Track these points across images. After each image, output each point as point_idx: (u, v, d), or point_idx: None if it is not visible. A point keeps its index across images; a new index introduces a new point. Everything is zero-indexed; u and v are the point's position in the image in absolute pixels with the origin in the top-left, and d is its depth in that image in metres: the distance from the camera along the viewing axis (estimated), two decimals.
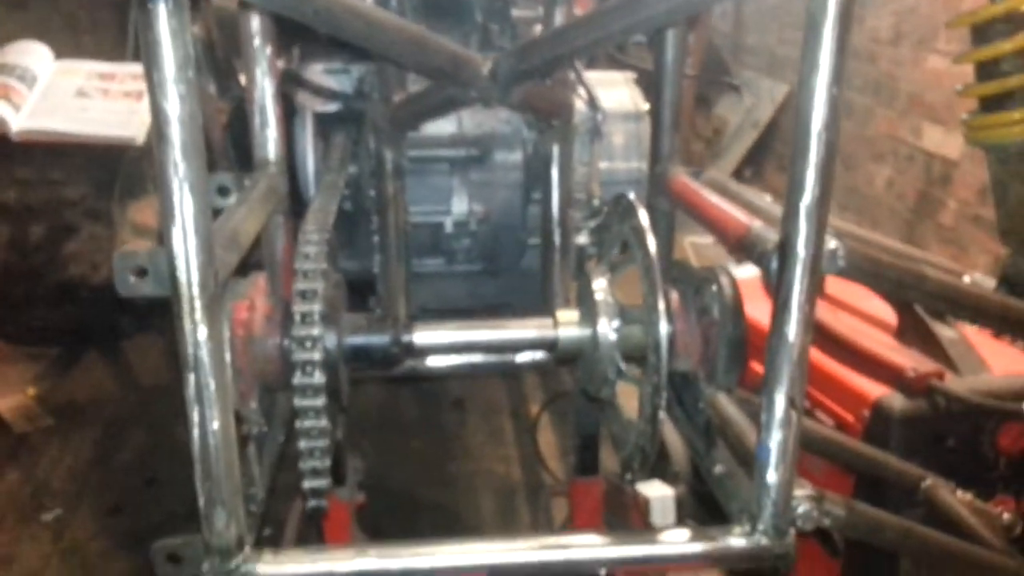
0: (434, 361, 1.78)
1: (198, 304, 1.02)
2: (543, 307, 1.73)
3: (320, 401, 1.22)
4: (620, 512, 2.45)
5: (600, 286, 1.41)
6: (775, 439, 1.16)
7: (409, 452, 3.26)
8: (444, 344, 1.43)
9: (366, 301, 1.97)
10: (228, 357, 1.27)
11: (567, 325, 1.44)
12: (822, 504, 1.26)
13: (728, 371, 1.40)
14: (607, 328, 1.37)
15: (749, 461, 1.36)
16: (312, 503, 1.29)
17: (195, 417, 1.07)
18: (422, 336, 1.42)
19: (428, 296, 2.00)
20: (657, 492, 2.59)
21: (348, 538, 2.06)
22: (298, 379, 1.21)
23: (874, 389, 1.99)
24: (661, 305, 1.27)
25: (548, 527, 2.32)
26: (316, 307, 1.22)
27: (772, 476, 1.17)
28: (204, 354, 1.04)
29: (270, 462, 1.39)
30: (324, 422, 1.23)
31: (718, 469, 1.39)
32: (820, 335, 2.22)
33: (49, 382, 3.82)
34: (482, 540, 1.21)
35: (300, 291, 1.23)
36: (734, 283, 1.40)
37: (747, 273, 3.00)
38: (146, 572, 1.23)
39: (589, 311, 1.42)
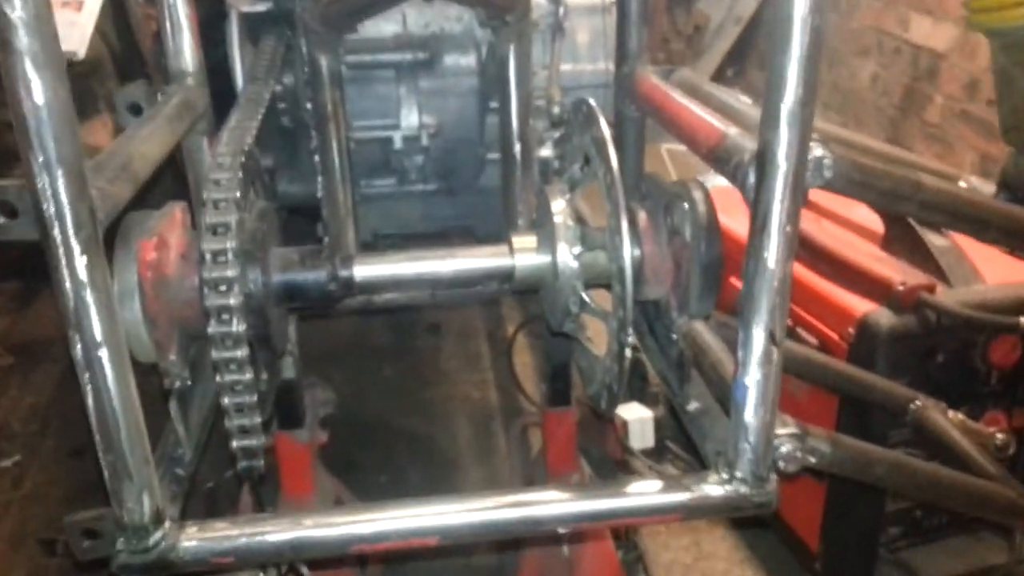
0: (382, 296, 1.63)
1: (75, 247, 0.87)
2: (506, 230, 1.58)
3: (241, 352, 1.08)
4: (597, 438, 2.36)
5: (559, 208, 1.26)
6: (753, 377, 1.03)
7: (382, 379, 3.15)
8: (388, 278, 1.28)
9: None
10: (137, 304, 1.12)
11: (524, 252, 1.29)
12: (805, 442, 1.14)
13: (702, 298, 1.26)
14: (567, 255, 1.22)
15: (727, 397, 1.24)
16: (244, 464, 1.16)
17: (86, 382, 0.93)
18: (364, 270, 1.27)
19: (379, 220, 1.84)
20: (635, 414, 2.50)
21: (309, 483, 1.95)
22: (213, 327, 1.06)
23: (860, 305, 1.87)
24: (625, 227, 1.12)
25: (526, 456, 2.22)
26: (229, 244, 1.06)
27: (751, 417, 1.05)
28: (88, 307, 0.89)
29: (199, 419, 1.25)
30: (248, 375, 1.09)
31: (692, 406, 1.27)
32: (801, 247, 2.09)
33: (7, 318, 3.66)
34: (430, 502, 1.09)
35: (210, 225, 1.07)
36: (708, 199, 1.24)
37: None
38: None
39: (548, 236, 1.26)
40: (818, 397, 1.89)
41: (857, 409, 1.80)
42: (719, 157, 1.07)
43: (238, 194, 1.09)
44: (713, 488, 1.09)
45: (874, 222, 2.14)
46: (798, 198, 0.95)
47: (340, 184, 1.62)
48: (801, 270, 2.03)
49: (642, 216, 1.28)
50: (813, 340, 1.95)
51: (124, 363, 0.94)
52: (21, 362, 3.33)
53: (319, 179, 1.64)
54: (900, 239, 2.05)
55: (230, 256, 1.06)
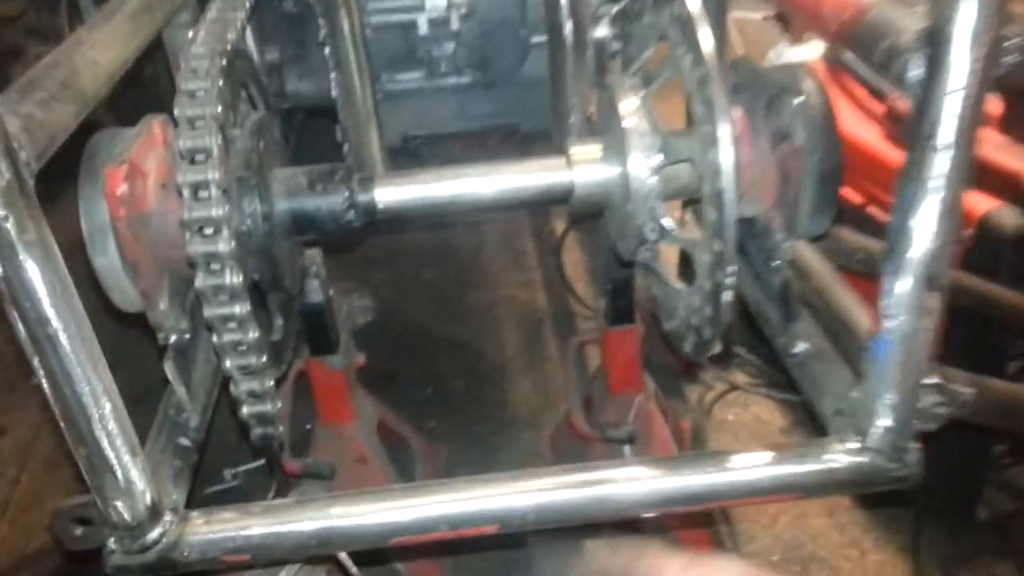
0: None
1: None
2: (558, 134, 1.32)
3: (240, 307, 0.86)
4: (658, 346, 2.14)
5: (630, 106, 0.99)
6: (901, 329, 0.79)
7: (423, 283, 2.95)
8: (418, 203, 1.04)
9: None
10: (112, 247, 0.91)
11: (585, 164, 1.03)
12: (946, 390, 0.91)
13: (815, 215, 1.00)
14: (642, 168, 0.96)
15: (847, 341, 1.00)
16: (258, 431, 0.97)
17: (37, 366, 0.73)
18: (387, 193, 1.03)
19: (407, 121, 1.58)
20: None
21: (348, 410, 1.79)
22: (201, 281, 0.85)
23: (980, 202, 1.58)
24: (727, 132, 0.85)
25: (583, 374, 2.01)
26: (211, 174, 0.83)
27: (893, 377, 0.82)
28: (25, 275, 0.68)
29: (206, 376, 1.06)
30: (251, 333, 0.88)
31: (800, 348, 1.04)
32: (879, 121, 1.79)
33: None
34: (485, 481, 0.89)
35: (187, 151, 0.84)
36: (822, 92, 0.97)
37: (805, 54, 2.47)
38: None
39: (615, 144, 1.00)
40: None
41: (970, 326, 1.55)
42: (859, 38, 0.78)
43: (219, 108, 0.85)
44: (838, 458, 0.87)
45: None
46: (982, 96, 0.68)
47: (358, 80, 1.36)
48: (875, 138, 1.75)
49: (738, 114, 1.00)
50: (887, 218, 1.68)
51: (83, 337, 0.73)
52: None
53: (331, 75, 1.38)
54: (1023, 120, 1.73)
55: (213, 190, 0.82)
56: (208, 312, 0.86)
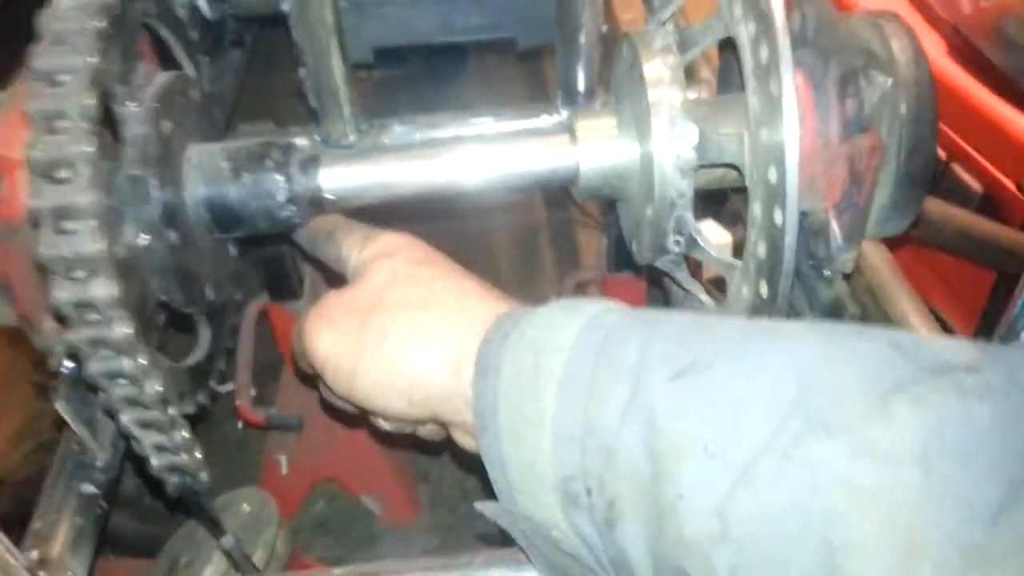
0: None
1: None
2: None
3: (128, 362, 0.65)
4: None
5: (658, 69, 0.74)
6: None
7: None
8: (376, 189, 0.81)
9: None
10: None
11: (594, 141, 0.79)
12: None
13: (891, 220, 0.78)
14: (670, 167, 0.72)
15: None
16: (174, 481, 0.78)
17: None
18: (336, 176, 0.80)
19: (379, 31, 1.29)
20: (717, 238, 2.06)
21: None
22: (73, 334, 0.63)
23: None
24: (792, 108, 0.60)
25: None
26: (81, 197, 0.59)
27: None
28: None
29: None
30: (150, 387, 0.67)
31: None
32: (964, 53, 1.50)
33: None
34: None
35: (41, 163, 0.60)
36: (922, 62, 0.71)
37: None
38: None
39: (636, 119, 0.76)
40: (968, 275, 1.43)
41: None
42: None
43: (93, 99, 0.60)
44: None
45: None
46: None
47: None
48: (970, 82, 1.47)
49: (799, 82, 0.75)
50: (976, 185, 1.44)
51: None
52: None
53: None
54: None
55: (83, 222, 0.59)
56: (87, 370, 0.65)
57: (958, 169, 1.48)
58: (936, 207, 1.24)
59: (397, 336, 0.65)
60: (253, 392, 1.76)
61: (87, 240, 0.59)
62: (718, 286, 0.86)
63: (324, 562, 1.71)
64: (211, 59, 1.56)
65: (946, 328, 1.49)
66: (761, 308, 0.66)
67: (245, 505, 1.02)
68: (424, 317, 0.66)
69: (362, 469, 1.76)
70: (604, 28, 1.24)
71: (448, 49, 1.31)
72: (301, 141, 1.29)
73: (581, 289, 1.83)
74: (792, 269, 0.61)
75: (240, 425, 1.92)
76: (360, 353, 0.66)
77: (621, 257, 1.50)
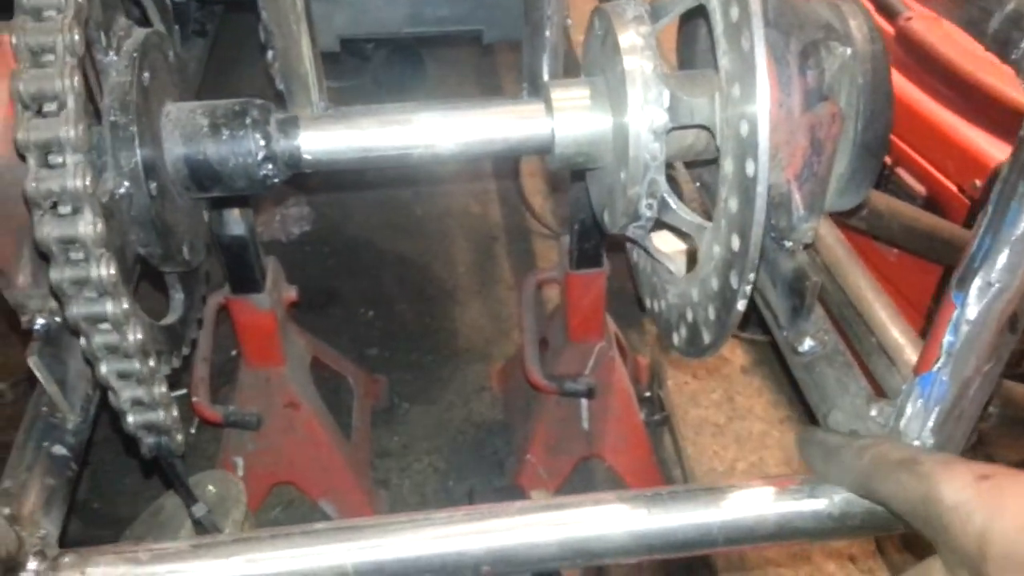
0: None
1: None
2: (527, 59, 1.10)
3: (113, 306, 0.65)
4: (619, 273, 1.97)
5: (632, 38, 0.77)
6: (962, 373, 0.63)
7: (368, 188, 2.70)
8: (354, 152, 0.82)
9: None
10: None
11: (569, 111, 0.82)
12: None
13: (848, 191, 0.82)
14: (644, 129, 0.75)
15: (867, 345, 0.85)
16: (150, 441, 0.77)
17: None
18: (316, 139, 0.81)
19: (347, 20, 1.32)
20: (670, 247, 2.11)
21: (277, 352, 1.59)
22: (55, 272, 0.63)
23: (996, 149, 1.42)
24: (763, 76, 0.64)
25: (540, 315, 1.83)
26: (65, 131, 0.60)
27: (939, 425, 0.66)
28: None
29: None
30: (134, 335, 0.67)
31: (808, 346, 0.87)
32: (920, 60, 1.58)
33: None
34: (428, 520, 0.72)
35: (29, 95, 0.60)
36: (877, 38, 0.76)
37: None
38: None
39: (610, 89, 0.79)
40: (914, 269, 1.49)
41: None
42: None
43: (76, 35, 0.61)
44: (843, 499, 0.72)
45: None
46: None
47: None
48: (913, 91, 1.55)
49: None
50: (920, 188, 1.51)
51: None
52: None
53: None
54: None
55: (68, 156, 0.60)
56: (69, 312, 0.65)
57: (902, 173, 1.56)
58: (883, 200, 1.30)
59: None
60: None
61: (74, 175, 0.59)
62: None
63: None
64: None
65: None
66: (732, 261, 0.69)
67: (211, 487, 1.00)
68: None
69: (321, 472, 1.74)
70: (569, 21, 1.28)
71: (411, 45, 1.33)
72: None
73: (540, 289, 1.85)
74: (764, 218, 0.64)
75: (193, 429, 1.89)
76: None
77: (582, 253, 1.53)
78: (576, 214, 1.44)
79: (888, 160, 1.58)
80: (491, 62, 2.98)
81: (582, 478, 1.76)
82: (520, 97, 1.32)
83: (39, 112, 0.60)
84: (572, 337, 1.63)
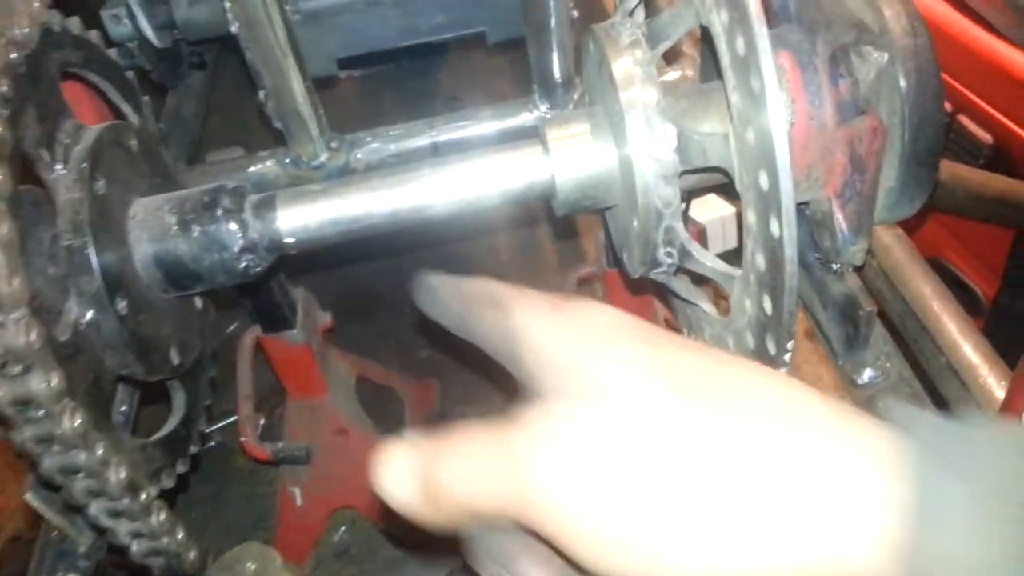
0: None
1: None
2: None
3: (88, 456, 0.60)
4: None
5: (628, 67, 0.67)
6: None
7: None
8: (340, 224, 0.74)
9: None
10: None
11: (567, 149, 0.72)
12: None
13: (899, 204, 0.71)
14: (650, 166, 0.65)
15: (933, 369, 0.75)
16: (159, 563, 0.73)
17: None
18: (295, 216, 0.73)
19: (339, 40, 1.23)
20: (712, 213, 1.98)
21: (318, 383, 1.55)
22: (15, 435, 0.58)
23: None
24: (773, 95, 0.53)
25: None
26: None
27: None
28: None
29: None
30: (113, 477, 0.62)
31: (868, 377, 0.77)
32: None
33: None
34: None
35: None
36: (922, 32, 0.64)
37: None
38: None
39: (611, 117, 0.70)
40: (985, 236, 1.35)
41: None
42: None
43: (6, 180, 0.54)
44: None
45: None
46: None
47: (260, 3, 1.03)
48: (971, 28, 1.39)
49: (785, 62, 0.68)
50: (985, 136, 1.36)
51: None
52: None
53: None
54: None
55: (11, 315, 0.54)
56: (41, 468, 0.60)
57: (965, 120, 1.41)
58: (945, 168, 1.16)
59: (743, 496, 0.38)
60: (262, 421, 1.72)
61: (16, 333, 0.54)
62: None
63: None
64: (171, 86, 1.51)
65: (968, 294, 1.41)
66: (767, 324, 0.60)
67: (249, 564, 0.96)
68: (772, 463, 0.38)
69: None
70: (575, 14, 1.17)
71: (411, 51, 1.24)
72: (269, 165, 1.24)
73: (583, 286, 1.76)
74: (795, 285, 0.54)
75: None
76: (678, 526, 0.39)
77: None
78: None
79: (948, 107, 1.42)
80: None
81: None
82: (531, 100, 1.23)
83: None
84: None
